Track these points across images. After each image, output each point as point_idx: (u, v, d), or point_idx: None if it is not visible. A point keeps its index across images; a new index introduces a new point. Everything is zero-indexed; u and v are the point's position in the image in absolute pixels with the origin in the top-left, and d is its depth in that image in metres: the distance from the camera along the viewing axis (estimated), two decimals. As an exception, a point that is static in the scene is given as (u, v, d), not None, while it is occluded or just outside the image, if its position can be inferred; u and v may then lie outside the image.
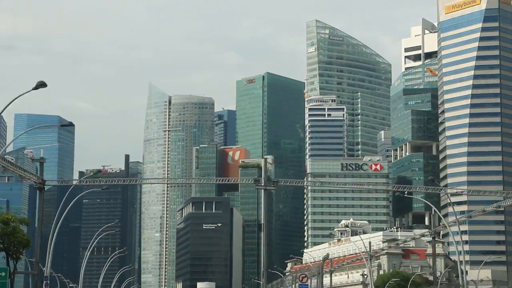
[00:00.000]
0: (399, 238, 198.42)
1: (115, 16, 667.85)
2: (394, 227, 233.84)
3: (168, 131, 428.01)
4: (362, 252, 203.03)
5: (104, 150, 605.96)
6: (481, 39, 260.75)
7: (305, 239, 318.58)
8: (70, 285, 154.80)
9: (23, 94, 40.33)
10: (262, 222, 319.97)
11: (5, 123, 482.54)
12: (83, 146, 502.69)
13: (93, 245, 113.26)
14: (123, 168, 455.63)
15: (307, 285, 66.60)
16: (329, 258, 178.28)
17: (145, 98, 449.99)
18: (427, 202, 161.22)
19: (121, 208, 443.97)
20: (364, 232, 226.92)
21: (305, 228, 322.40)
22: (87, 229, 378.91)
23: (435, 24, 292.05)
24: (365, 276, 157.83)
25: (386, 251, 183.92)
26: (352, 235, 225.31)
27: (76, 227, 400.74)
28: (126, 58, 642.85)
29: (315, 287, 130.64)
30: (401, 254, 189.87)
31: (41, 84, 39.30)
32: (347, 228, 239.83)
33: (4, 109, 39.38)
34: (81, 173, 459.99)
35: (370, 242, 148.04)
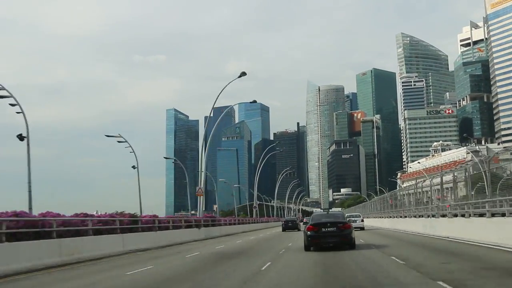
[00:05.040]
0: (479, 150, 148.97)
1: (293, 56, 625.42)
2: (473, 144, 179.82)
3: (319, 105, 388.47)
4: (450, 162, 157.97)
5: (283, 120, 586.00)
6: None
7: (404, 160, 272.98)
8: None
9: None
10: (375, 153, 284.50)
11: (233, 109, 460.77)
12: (275, 119, 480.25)
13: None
14: (296, 129, 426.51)
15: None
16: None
17: (305, 87, 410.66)
18: None
19: (296, 150, 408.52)
20: (450, 149, 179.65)
21: (404, 153, 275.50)
22: (280, 164, 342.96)
23: (482, 16, 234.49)
24: (456, 177, 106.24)
25: (471, 159, 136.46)
26: (442, 152, 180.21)
27: (273, 163, 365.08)
28: (296, 66, 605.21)
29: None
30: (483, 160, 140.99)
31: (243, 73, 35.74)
32: (438, 147, 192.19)
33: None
34: (274, 134, 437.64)
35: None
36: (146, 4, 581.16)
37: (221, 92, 39.98)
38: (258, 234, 44.42)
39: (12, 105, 29.91)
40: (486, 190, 21.92)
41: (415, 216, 35.71)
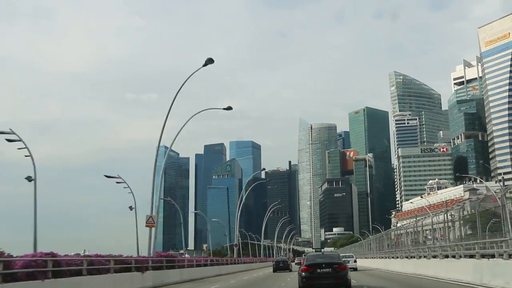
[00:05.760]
0: (476, 188, 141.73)
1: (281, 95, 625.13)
2: (470, 182, 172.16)
3: (311, 143, 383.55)
4: (447, 200, 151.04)
5: (275, 159, 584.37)
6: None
7: (397, 199, 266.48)
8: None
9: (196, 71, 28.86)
10: (368, 192, 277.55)
11: (225, 147, 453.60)
12: (267, 158, 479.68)
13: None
14: (288, 168, 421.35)
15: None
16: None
17: (297, 125, 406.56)
18: None
19: (288, 189, 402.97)
20: (446, 187, 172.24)
21: (397, 191, 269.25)
22: (271, 202, 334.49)
23: (476, 55, 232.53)
24: (453, 215, 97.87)
25: (469, 197, 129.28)
26: (437, 190, 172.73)
27: (264, 201, 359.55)
28: (288, 105, 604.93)
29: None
30: (480, 199, 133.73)
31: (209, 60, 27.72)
32: (434, 185, 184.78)
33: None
34: (266, 172, 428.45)
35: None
36: (139, 42, 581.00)
37: (177, 94, 31.32)
38: (229, 280, 35.47)
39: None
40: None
41: (424, 257, 31.42)
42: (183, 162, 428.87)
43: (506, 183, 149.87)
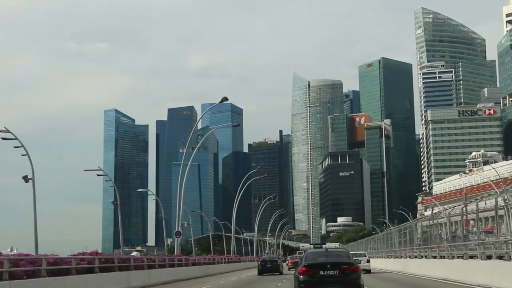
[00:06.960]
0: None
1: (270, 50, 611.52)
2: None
3: (309, 106, 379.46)
4: (497, 179, 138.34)
5: (263, 128, 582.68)
6: None
7: (424, 179, 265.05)
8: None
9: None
10: (383, 170, 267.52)
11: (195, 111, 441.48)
12: (251, 126, 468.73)
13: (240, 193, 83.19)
14: (278, 140, 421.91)
15: None
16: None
17: (290, 84, 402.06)
18: None
19: (278, 167, 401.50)
20: (496, 162, 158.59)
21: (424, 169, 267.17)
22: (256, 184, 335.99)
23: None
24: (507, 200, 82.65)
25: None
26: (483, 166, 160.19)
27: (248, 184, 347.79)
28: (279, 60, 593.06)
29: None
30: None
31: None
32: (479, 159, 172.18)
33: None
34: (249, 145, 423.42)
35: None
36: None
37: None
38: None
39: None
40: None
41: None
42: (140, 131, 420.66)
43: None
